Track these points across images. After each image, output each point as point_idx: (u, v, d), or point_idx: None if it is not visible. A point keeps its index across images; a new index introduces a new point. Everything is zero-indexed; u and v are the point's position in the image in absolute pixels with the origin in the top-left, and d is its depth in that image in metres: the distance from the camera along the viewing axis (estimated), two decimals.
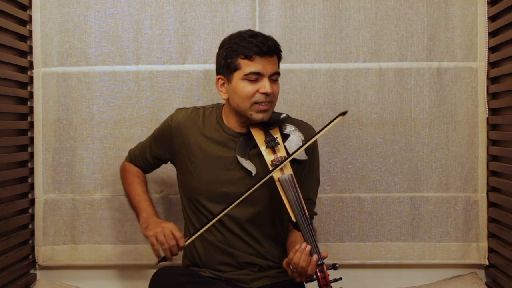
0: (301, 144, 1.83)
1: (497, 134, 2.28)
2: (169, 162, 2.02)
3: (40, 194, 2.33)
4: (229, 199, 1.77)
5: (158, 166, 2.07)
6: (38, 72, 2.32)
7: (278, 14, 2.32)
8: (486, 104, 2.30)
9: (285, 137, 1.85)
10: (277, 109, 1.92)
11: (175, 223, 2.28)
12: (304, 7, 2.32)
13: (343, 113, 1.78)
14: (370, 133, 2.33)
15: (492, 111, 2.31)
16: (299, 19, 2.32)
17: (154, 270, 1.82)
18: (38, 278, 2.36)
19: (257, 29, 2.26)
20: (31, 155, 2.34)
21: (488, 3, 2.29)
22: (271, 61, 1.78)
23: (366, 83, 2.31)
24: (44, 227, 2.34)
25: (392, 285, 2.33)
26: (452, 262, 2.34)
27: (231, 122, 1.87)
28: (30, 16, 2.32)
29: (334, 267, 1.65)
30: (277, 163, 1.77)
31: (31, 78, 2.34)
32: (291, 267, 1.65)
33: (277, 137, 1.82)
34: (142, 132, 2.31)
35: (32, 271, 2.36)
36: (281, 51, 1.83)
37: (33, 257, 2.35)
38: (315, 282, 1.66)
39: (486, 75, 2.31)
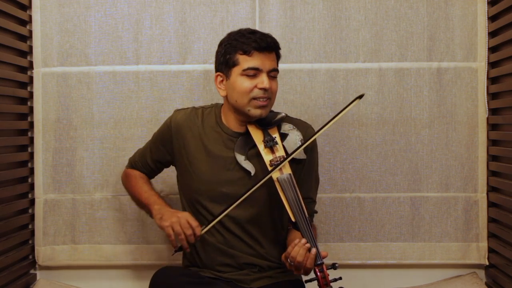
0: (300, 143, 1.83)
1: (497, 134, 2.28)
2: (171, 166, 2.01)
3: (40, 194, 2.34)
4: (229, 199, 1.77)
5: (160, 170, 2.05)
6: (38, 72, 2.32)
7: (278, 14, 2.32)
8: (486, 104, 2.30)
9: (283, 136, 1.85)
10: (277, 109, 1.92)
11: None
12: (304, 7, 2.32)
13: (360, 96, 1.78)
14: (370, 133, 2.33)
15: (492, 111, 2.31)
16: (299, 19, 2.32)
17: (154, 270, 1.82)
18: (38, 278, 2.36)
19: (257, 29, 2.26)
20: (31, 155, 2.34)
21: (488, 3, 2.29)
22: (269, 57, 1.79)
23: (366, 83, 2.31)
24: (44, 227, 2.34)
25: (392, 285, 2.33)
26: (452, 262, 2.34)
27: (230, 121, 1.87)
28: (30, 16, 2.32)
29: (333, 266, 1.65)
30: (275, 163, 1.77)
31: (31, 78, 2.34)
32: (288, 260, 1.65)
33: (275, 137, 1.82)
34: (142, 132, 2.32)
35: (32, 271, 2.36)
36: (279, 49, 1.84)
37: (33, 257, 2.36)
38: (315, 282, 1.66)
39: (486, 75, 2.31)
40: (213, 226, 1.78)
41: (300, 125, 1.91)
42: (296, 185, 1.74)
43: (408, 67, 2.32)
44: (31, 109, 2.34)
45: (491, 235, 2.32)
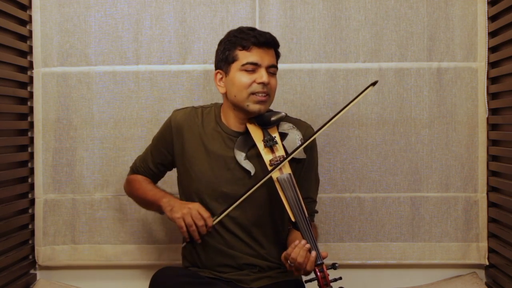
0: (300, 143, 1.83)
1: (497, 134, 2.28)
2: (173, 168, 2.00)
3: (40, 194, 2.34)
4: (230, 199, 1.77)
5: (162, 173, 2.03)
6: (38, 72, 2.32)
7: (278, 14, 2.32)
8: (486, 104, 2.30)
9: (283, 136, 1.85)
10: (277, 109, 1.92)
11: (175, 224, 2.30)
12: (304, 7, 2.32)
13: (374, 83, 1.79)
14: (370, 133, 2.33)
15: (492, 111, 2.31)
16: (299, 19, 2.32)
17: (154, 270, 1.82)
18: (38, 278, 2.36)
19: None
20: (31, 155, 2.34)
21: (488, 3, 2.29)
22: (268, 53, 1.80)
23: (366, 83, 2.30)
24: (44, 227, 2.34)
25: (392, 285, 2.33)
26: (452, 262, 2.34)
27: (229, 120, 1.87)
28: (30, 16, 2.32)
29: (333, 266, 1.65)
30: (275, 163, 1.77)
31: (31, 78, 2.34)
32: (288, 262, 1.65)
33: (275, 136, 1.82)
34: (142, 132, 2.32)
35: (32, 271, 2.36)
36: (278, 47, 1.85)
37: (33, 257, 2.36)
38: (315, 282, 1.65)
39: (486, 75, 2.31)
40: (216, 224, 1.78)
41: (299, 124, 1.91)
42: (296, 185, 1.74)
43: (408, 67, 2.32)
44: (31, 109, 2.34)
45: (491, 235, 2.32)
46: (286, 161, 1.76)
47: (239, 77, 1.79)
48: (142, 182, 1.98)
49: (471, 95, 2.31)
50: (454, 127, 2.32)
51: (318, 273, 1.64)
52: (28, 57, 2.35)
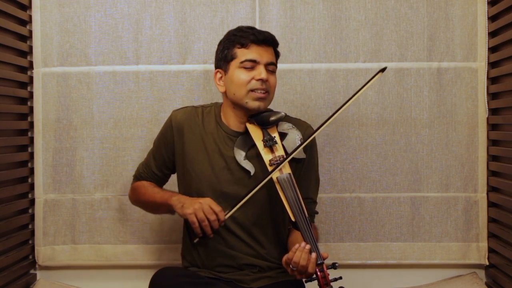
0: (299, 142, 1.83)
1: (497, 134, 2.28)
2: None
3: (40, 194, 2.33)
4: (230, 199, 1.77)
5: (167, 177, 2.01)
6: (38, 72, 2.32)
7: (278, 14, 2.32)
8: (486, 104, 2.30)
9: (282, 136, 1.85)
10: (277, 109, 1.92)
11: (175, 223, 2.30)
12: (304, 7, 2.32)
13: (383, 70, 1.79)
14: (370, 133, 2.33)
15: (492, 111, 2.31)
16: (299, 19, 2.32)
17: (154, 270, 1.82)
18: (38, 278, 2.36)
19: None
20: (31, 155, 2.34)
21: (488, 3, 2.29)
22: (267, 50, 1.81)
23: None
24: (44, 227, 2.34)
25: (392, 285, 2.32)
26: (452, 262, 2.34)
27: (229, 120, 1.87)
28: (30, 16, 2.32)
29: (334, 266, 1.65)
30: (275, 162, 1.77)
31: (31, 78, 2.34)
32: (291, 266, 1.65)
33: (275, 136, 1.82)
34: (142, 132, 2.32)
35: (32, 271, 2.36)
36: (277, 45, 1.86)
37: (33, 257, 2.35)
38: (315, 282, 1.65)
39: (486, 75, 2.31)
40: (231, 216, 1.77)
41: (299, 124, 1.91)
42: (296, 185, 1.74)
43: (408, 67, 2.32)
44: (31, 109, 2.34)
45: (491, 235, 2.32)
46: (288, 159, 1.76)
47: (238, 75, 1.79)
48: (148, 187, 1.95)
49: (471, 95, 2.31)
50: (454, 127, 2.32)
51: (319, 273, 1.64)
52: (28, 57, 2.35)
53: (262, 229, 1.86)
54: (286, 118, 1.90)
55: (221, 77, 1.85)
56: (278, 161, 1.77)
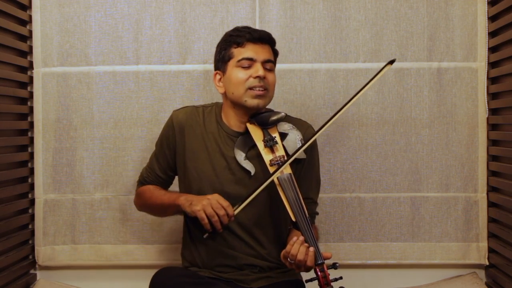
0: (300, 143, 1.83)
1: (497, 134, 2.28)
2: None
3: (40, 194, 2.33)
4: (231, 199, 1.76)
5: (171, 179, 1.99)
6: (38, 72, 2.32)
7: (278, 14, 2.32)
8: (486, 104, 2.30)
9: (283, 136, 1.85)
10: (277, 109, 1.92)
11: (175, 223, 2.30)
12: (304, 7, 2.32)
13: (391, 62, 1.79)
14: (370, 133, 2.33)
15: (492, 111, 2.31)
16: (299, 19, 2.32)
17: (154, 270, 1.82)
18: (38, 278, 2.36)
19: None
20: (31, 155, 2.34)
21: (488, 3, 2.29)
22: (264, 48, 1.81)
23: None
24: (44, 227, 2.34)
25: (392, 285, 2.32)
26: (452, 262, 2.34)
27: (230, 120, 1.87)
28: (30, 16, 2.32)
29: (334, 266, 1.65)
30: (276, 163, 1.77)
31: (31, 78, 2.34)
32: (288, 259, 1.65)
33: (275, 136, 1.82)
34: (142, 132, 2.32)
35: (32, 271, 2.36)
36: (275, 43, 1.86)
37: (33, 257, 2.35)
38: (316, 282, 1.65)
39: (486, 75, 2.31)
40: (243, 209, 1.76)
41: (299, 124, 1.91)
42: (296, 185, 1.74)
43: (408, 67, 2.32)
44: (31, 109, 2.34)
45: (491, 235, 2.32)
46: (291, 160, 1.75)
47: (236, 74, 1.80)
48: (154, 191, 1.94)
49: (471, 95, 2.31)
50: (454, 127, 2.32)
51: (319, 273, 1.64)
52: (28, 57, 2.35)
53: (263, 229, 1.86)
54: (287, 118, 1.90)
55: (220, 78, 1.85)
56: (279, 161, 1.77)
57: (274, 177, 1.74)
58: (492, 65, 2.30)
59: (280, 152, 1.80)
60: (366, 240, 2.34)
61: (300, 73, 2.32)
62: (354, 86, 2.31)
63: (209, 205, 1.72)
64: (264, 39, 1.82)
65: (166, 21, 2.32)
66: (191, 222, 1.88)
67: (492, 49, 2.30)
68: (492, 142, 2.32)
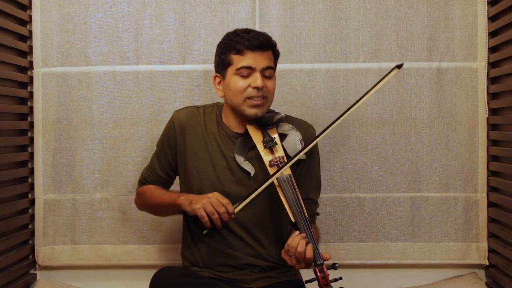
0: (299, 143, 1.83)
1: (497, 134, 2.28)
2: None
3: (40, 194, 2.33)
4: (231, 199, 1.76)
5: (172, 179, 2.00)
6: (38, 72, 2.32)
7: (278, 14, 2.32)
8: (486, 104, 2.30)
9: (282, 137, 1.85)
10: (277, 109, 1.92)
11: (175, 223, 2.30)
12: (304, 7, 2.32)
13: (399, 66, 1.77)
14: (370, 133, 2.33)
15: (492, 111, 2.31)
16: (299, 19, 2.32)
17: (154, 270, 1.82)
18: (38, 278, 2.37)
19: (257, 29, 2.26)
20: (31, 155, 2.34)
21: (488, 3, 2.29)
22: (263, 55, 1.78)
23: (366, 83, 2.31)
24: (44, 227, 2.34)
25: (392, 285, 2.33)
26: (452, 262, 2.34)
27: (230, 121, 1.87)
28: (30, 16, 2.32)
29: (334, 266, 1.65)
30: (275, 163, 1.77)
31: (31, 78, 2.34)
32: (289, 253, 1.65)
33: (275, 137, 1.82)
34: (142, 132, 2.32)
35: (32, 271, 2.36)
36: (275, 47, 1.83)
37: (33, 257, 2.36)
38: (315, 282, 1.65)
39: (486, 75, 2.31)
40: (243, 209, 1.76)
41: (299, 125, 1.91)
42: (296, 186, 1.74)
43: (408, 67, 2.32)
44: (31, 109, 2.34)
45: (491, 235, 2.32)
46: (291, 163, 1.75)
47: (235, 82, 1.78)
48: (154, 190, 1.94)
49: (471, 95, 2.31)
50: (454, 127, 2.32)
51: (319, 273, 1.63)
52: (28, 57, 2.35)
53: (263, 230, 1.86)
54: (287, 119, 1.90)
55: (220, 81, 1.84)
56: (278, 162, 1.77)
57: (276, 175, 1.74)
58: (492, 65, 2.30)
59: (279, 153, 1.80)
60: (366, 240, 2.34)
61: (300, 73, 2.32)
62: (354, 86, 2.31)
63: (209, 203, 1.72)
64: (264, 45, 1.78)
65: (166, 21, 2.32)
66: (192, 221, 1.88)
67: (492, 49, 2.30)
68: (492, 142, 2.32)
